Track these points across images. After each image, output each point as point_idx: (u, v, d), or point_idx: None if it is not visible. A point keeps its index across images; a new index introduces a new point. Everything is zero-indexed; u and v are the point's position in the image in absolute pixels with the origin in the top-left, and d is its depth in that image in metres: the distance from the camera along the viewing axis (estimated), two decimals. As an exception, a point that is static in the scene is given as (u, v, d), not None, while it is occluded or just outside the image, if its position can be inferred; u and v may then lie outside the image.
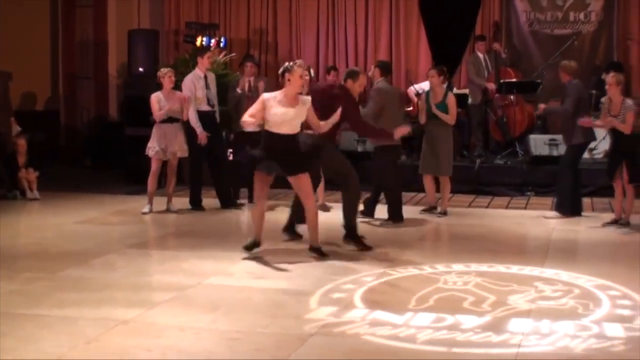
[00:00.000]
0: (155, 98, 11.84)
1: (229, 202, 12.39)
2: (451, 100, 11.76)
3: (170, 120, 11.84)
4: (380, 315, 6.76)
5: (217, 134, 12.42)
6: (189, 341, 6.09)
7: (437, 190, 12.03)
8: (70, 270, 8.32)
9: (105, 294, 7.42)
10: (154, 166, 11.88)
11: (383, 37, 17.47)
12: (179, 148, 11.91)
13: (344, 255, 9.06)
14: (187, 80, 12.21)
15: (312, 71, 12.79)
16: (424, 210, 11.97)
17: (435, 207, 11.94)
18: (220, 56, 15.92)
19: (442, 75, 11.78)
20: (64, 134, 17.92)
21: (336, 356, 5.84)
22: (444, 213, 11.78)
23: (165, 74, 11.92)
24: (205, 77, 12.26)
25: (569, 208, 11.69)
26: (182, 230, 10.95)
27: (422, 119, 11.79)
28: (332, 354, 5.89)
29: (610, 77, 10.90)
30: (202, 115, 12.07)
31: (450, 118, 11.67)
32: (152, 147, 11.80)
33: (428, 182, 12.02)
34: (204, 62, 12.30)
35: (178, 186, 12.49)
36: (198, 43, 16.07)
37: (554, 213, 11.77)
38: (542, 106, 12.11)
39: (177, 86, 12.23)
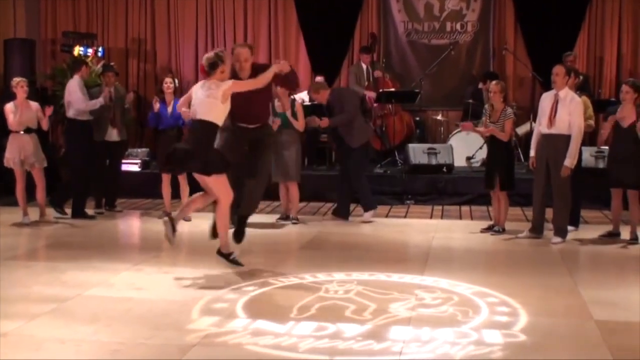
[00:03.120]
0: (9, 108, 11.62)
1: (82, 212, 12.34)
2: (299, 108, 12.16)
3: (27, 130, 11.65)
4: (262, 324, 6.74)
5: (92, 142, 12.38)
6: (70, 354, 5.98)
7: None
8: (-57, 284, 8.10)
9: (-19, 307, 7.24)
10: (18, 177, 11.70)
11: (262, 47, 17.50)
12: (37, 159, 11.71)
13: (226, 265, 9.02)
14: (74, 84, 12.28)
15: (176, 81, 12.82)
16: (280, 219, 12.29)
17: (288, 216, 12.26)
18: (98, 66, 15.72)
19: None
20: None
21: (219, 367, 5.82)
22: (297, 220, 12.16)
23: (18, 84, 11.68)
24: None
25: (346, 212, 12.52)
26: (61, 240, 10.75)
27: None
28: (215, 365, 5.87)
29: (494, 85, 11.12)
30: (82, 123, 12.01)
31: (300, 125, 12.11)
32: (11, 158, 11.61)
33: (283, 189, 12.21)
34: (86, 71, 12.49)
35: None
36: (76, 52, 15.86)
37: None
38: (324, 122, 12.27)
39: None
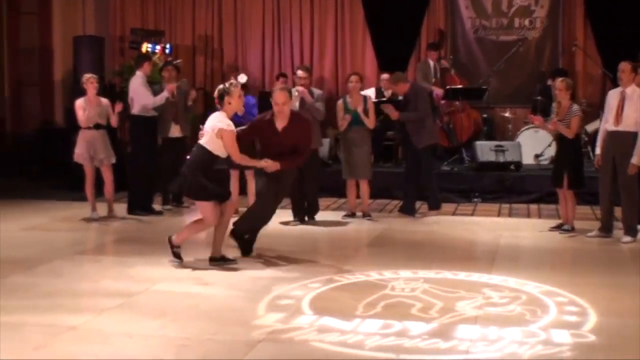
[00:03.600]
0: (80, 104, 11.71)
1: (148, 207, 12.45)
2: (371, 106, 12.12)
3: (96, 126, 11.74)
4: (328, 321, 6.75)
5: (157, 139, 12.46)
6: (137, 348, 6.04)
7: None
8: (16, 277, 8.23)
9: (52, 300, 7.34)
10: (88, 173, 11.82)
11: (329, 43, 17.51)
12: (106, 155, 11.82)
13: (292, 262, 9.06)
14: (137, 81, 12.27)
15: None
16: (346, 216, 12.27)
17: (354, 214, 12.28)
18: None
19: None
20: (9, 141, 17.70)
21: (284, 363, 5.84)
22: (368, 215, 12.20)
23: (88, 80, 11.78)
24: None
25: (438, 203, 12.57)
26: (129, 236, 10.86)
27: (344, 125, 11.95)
28: (281, 361, 5.88)
29: (560, 82, 10.99)
30: (147, 120, 12.08)
31: (370, 122, 12.06)
32: (81, 154, 11.72)
33: (351, 187, 12.21)
34: (148, 67, 12.41)
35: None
36: (144, 49, 15.99)
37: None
38: (394, 114, 12.25)
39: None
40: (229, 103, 8.79)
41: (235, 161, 9.12)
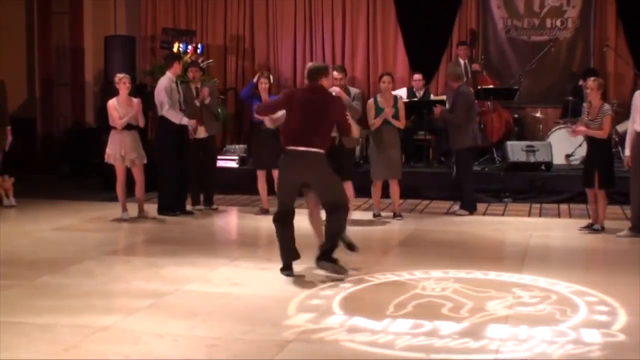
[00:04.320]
0: (113, 105, 11.72)
1: (180, 208, 12.43)
2: (401, 106, 12.20)
3: (128, 127, 11.76)
4: (358, 321, 6.76)
5: (186, 139, 12.37)
6: (167, 348, 6.07)
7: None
8: (46, 277, 8.28)
9: (82, 301, 7.39)
10: (119, 173, 11.84)
11: (360, 43, 17.50)
12: (138, 155, 11.84)
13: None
14: (162, 85, 12.16)
15: (271, 77, 12.85)
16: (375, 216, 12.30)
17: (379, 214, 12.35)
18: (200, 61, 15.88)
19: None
20: (40, 141, 17.84)
21: (315, 362, 5.85)
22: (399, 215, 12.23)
23: (121, 80, 11.78)
24: (176, 83, 12.24)
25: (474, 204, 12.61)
26: (159, 236, 10.91)
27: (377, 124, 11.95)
28: (311, 361, 5.89)
29: (591, 82, 10.96)
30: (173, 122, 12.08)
31: (401, 123, 12.14)
32: (112, 154, 11.75)
33: (377, 187, 12.25)
34: (179, 67, 12.26)
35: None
36: (175, 49, 16.04)
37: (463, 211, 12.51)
38: (437, 110, 12.32)
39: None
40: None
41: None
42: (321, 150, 8.31)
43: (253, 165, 12.53)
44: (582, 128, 11.06)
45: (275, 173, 11.91)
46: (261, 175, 12.22)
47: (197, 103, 12.51)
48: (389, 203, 12.36)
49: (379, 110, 11.92)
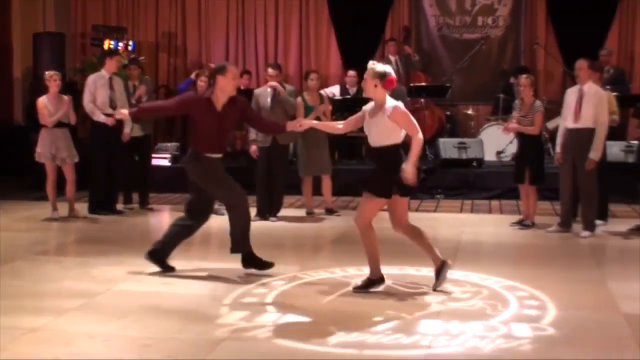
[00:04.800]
0: (42, 102, 11.59)
1: (111, 207, 12.35)
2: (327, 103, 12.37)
3: (58, 125, 11.64)
4: (291, 318, 6.76)
5: (117, 138, 12.24)
6: (99, 349, 6.01)
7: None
8: (-25, 278, 8.17)
9: (12, 301, 7.27)
10: (49, 172, 11.71)
11: (293, 41, 17.54)
12: (69, 154, 11.72)
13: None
14: (89, 80, 12.12)
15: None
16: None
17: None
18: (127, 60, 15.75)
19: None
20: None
21: (248, 360, 5.84)
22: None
23: (51, 77, 11.64)
24: (110, 79, 12.10)
25: None
26: (90, 236, 10.81)
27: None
28: (244, 358, 5.87)
29: (524, 79, 11.12)
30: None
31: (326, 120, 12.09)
32: (42, 153, 11.61)
33: (308, 184, 12.32)
34: (111, 63, 12.13)
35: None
36: (105, 46, 15.92)
37: None
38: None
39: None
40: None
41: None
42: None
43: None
44: (515, 125, 11.19)
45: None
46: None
47: (133, 101, 12.41)
48: (322, 200, 12.38)
49: (307, 108, 11.92)
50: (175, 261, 8.90)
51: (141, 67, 13.40)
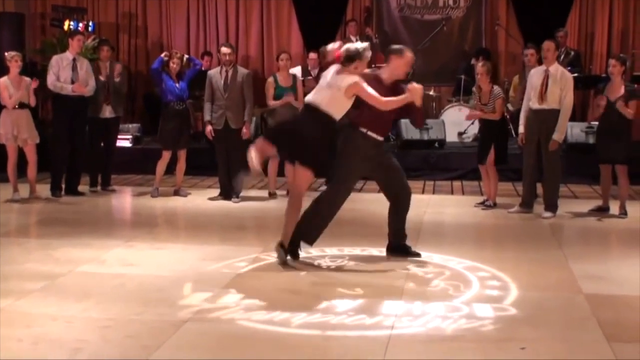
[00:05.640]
0: (3, 83, 11.48)
1: (74, 189, 12.29)
2: (300, 85, 12.27)
3: (19, 106, 11.53)
4: (254, 300, 6.75)
5: (82, 119, 12.21)
6: (61, 330, 5.98)
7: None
8: None
9: (-28, 284, 7.23)
10: (10, 153, 11.60)
11: (254, 21, 17.47)
12: (30, 135, 11.60)
13: (218, 241, 9.05)
14: (52, 60, 12.10)
15: (185, 56, 12.74)
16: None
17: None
18: (89, 40, 15.61)
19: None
20: None
21: (211, 342, 5.81)
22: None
23: (13, 58, 11.53)
24: (74, 60, 12.02)
25: None
26: (52, 217, 10.73)
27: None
28: (207, 340, 5.85)
29: (480, 67, 11.16)
30: (67, 99, 11.87)
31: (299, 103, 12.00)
32: (4, 134, 11.49)
33: (274, 165, 12.25)
34: (73, 44, 12.07)
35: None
36: (65, 27, 15.77)
37: None
38: None
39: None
40: (355, 68, 7.89)
41: (384, 105, 7.88)
42: None
43: (160, 145, 12.36)
44: (477, 112, 11.24)
45: (181, 153, 11.92)
46: (166, 155, 12.10)
47: (102, 78, 12.34)
48: (285, 182, 12.38)
49: (278, 89, 11.91)
50: (137, 242, 8.90)
51: (112, 47, 13.28)
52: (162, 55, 12.25)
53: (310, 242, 8.17)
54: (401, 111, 8.19)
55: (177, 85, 11.91)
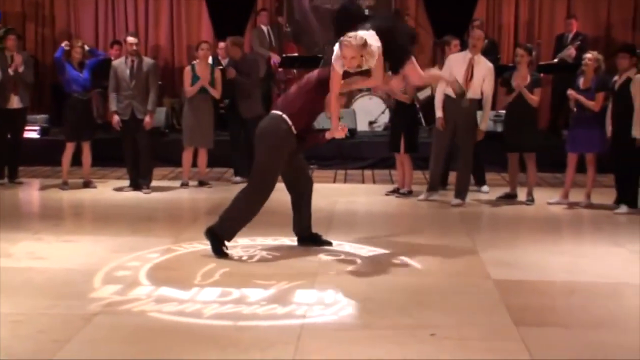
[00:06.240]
0: None
1: None
2: (218, 75, 12.29)
3: None
4: (166, 291, 6.72)
5: None
6: (-32, 326, 5.88)
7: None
8: None
9: None
10: None
11: (164, 10, 17.34)
12: None
13: (128, 232, 8.97)
14: None
15: (86, 46, 12.55)
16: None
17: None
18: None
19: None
20: None
21: (122, 334, 5.77)
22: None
23: None
24: None
25: None
26: (-42, 211, 10.54)
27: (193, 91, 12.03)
28: (118, 333, 5.80)
29: None
30: None
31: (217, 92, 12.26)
32: None
33: (188, 155, 12.34)
34: None
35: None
36: (-32, 16, 15.47)
37: None
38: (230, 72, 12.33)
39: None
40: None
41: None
42: None
43: (64, 136, 12.19)
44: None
45: (85, 144, 11.76)
46: (70, 147, 11.94)
47: (11, 72, 12.12)
48: (195, 172, 12.35)
49: (195, 79, 11.90)
50: (46, 235, 8.78)
51: (20, 37, 13.05)
52: (63, 44, 12.07)
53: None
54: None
55: (80, 74, 11.78)
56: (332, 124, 7.96)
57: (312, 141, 8.34)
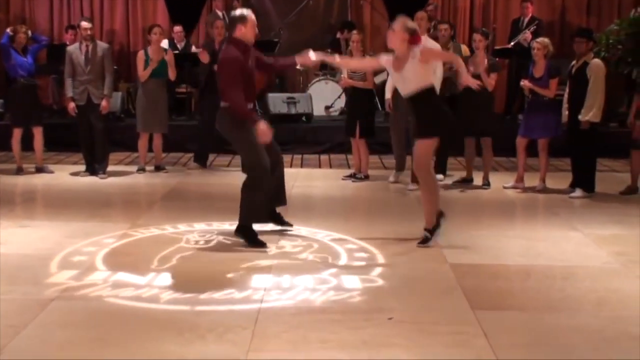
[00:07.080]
0: None
1: None
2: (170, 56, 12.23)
3: None
4: (122, 276, 6.71)
5: None
6: None
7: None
8: None
9: None
10: None
11: (119, -4, 17.22)
12: None
13: (84, 217, 8.93)
14: None
15: (29, 32, 12.42)
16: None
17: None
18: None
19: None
20: None
21: (78, 319, 5.75)
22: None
23: None
24: None
25: None
26: None
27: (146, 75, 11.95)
28: (74, 318, 5.78)
29: (355, 34, 11.49)
30: None
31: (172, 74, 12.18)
32: None
33: (144, 140, 12.27)
34: None
35: None
36: None
37: None
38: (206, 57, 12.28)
39: None
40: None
41: None
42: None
43: (10, 122, 12.11)
44: (348, 80, 11.33)
45: (36, 129, 11.69)
46: (17, 132, 11.84)
47: None
48: (151, 157, 12.30)
49: (148, 63, 11.84)
50: (0, 220, 8.70)
51: None
52: (8, 30, 11.98)
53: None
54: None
55: (25, 59, 11.71)
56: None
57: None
